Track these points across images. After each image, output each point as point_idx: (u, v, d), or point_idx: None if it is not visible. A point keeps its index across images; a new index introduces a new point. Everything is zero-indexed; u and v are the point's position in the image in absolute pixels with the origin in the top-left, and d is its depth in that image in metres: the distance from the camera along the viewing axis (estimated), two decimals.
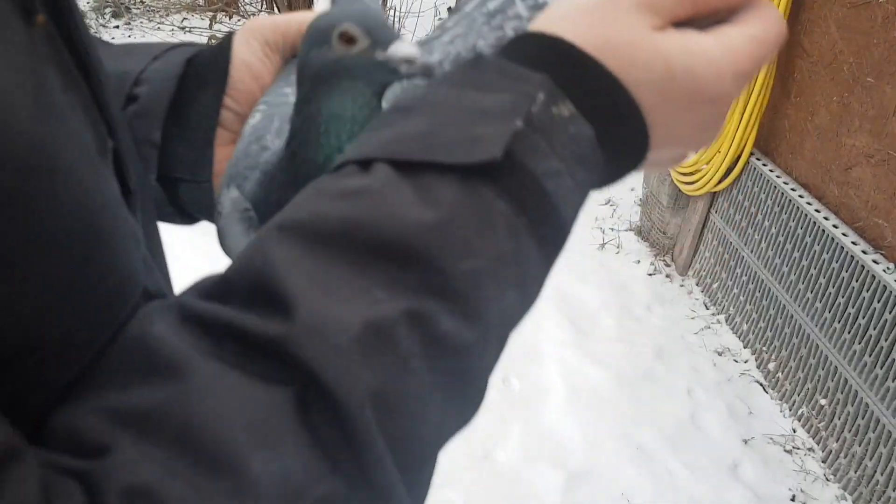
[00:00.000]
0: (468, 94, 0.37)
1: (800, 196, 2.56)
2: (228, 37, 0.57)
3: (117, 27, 6.98)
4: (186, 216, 0.59)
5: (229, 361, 0.31)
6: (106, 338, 0.34)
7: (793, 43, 2.66)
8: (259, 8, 5.99)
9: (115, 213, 0.34)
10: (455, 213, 0.34)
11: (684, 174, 3.13)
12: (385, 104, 0.47)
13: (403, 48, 0.43)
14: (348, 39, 0.43)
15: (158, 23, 7.06)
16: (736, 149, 2.81)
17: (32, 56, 0.30)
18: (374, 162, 0.36)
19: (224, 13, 7.02)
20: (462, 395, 0.36)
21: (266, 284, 0.32)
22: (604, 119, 0.38)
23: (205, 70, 0.55)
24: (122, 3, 7.73)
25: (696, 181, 3.05)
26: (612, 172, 0.41)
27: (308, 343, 0.30)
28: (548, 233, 0.38)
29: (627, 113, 0.39)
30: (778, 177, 2.68)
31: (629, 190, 4.06)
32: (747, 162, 2.84)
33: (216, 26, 6.62)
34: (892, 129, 2.23)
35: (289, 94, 0.54)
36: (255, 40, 0.57)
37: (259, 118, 0.53)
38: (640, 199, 3.74)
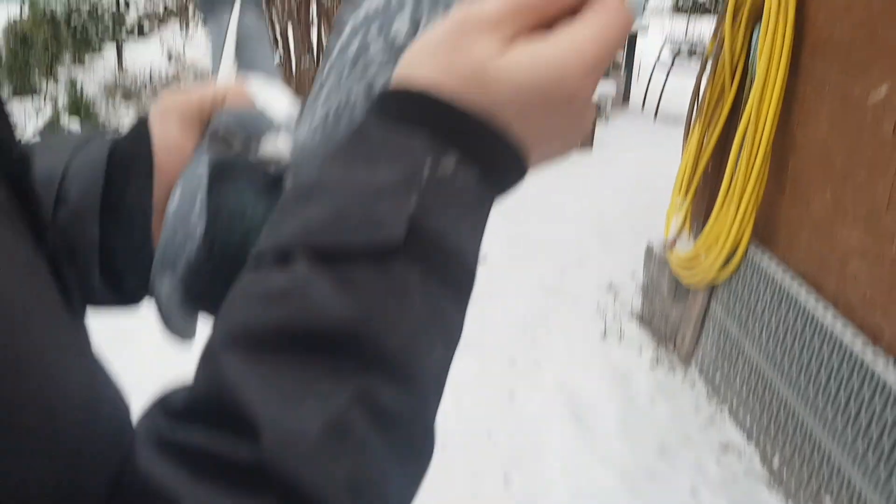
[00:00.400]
0: (360, 172, 0.40)
1: (798, 288, 2.56)
2: (143, 120, 0.58)
3: (127, 112, 7.17)
4: (131, 301, 0.60)
5: (213, 485, 0.34)
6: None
7: (786, 135, 2.70)
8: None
9: (94, 380, 0.36)
10: (373, 295, 0.38)
11: (684, 264, 3.14)
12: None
13: (270, 148, 0.47)
14: (224, 141, 0.47)
15: None
16: (734, 240, 2.83)
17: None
18: (290, 253, 0.39)
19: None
20: (416, 451, 0.39)
21: (228, 405, 0.35)
22: (481, 152, 0.41)
23: (129, 158, 0.56)
24: (132, 87, 7.95)
25: (696, 271, 3.06)
26: (504, 185, 0.44)
27: (280, 461, 0.34)
28: (458, 280, 0.41)
29: (498, 137, 0.42)
30: (776, 268, 2.69)
31: (631, 276, 4.07)
32: (745, 253, 2.86)
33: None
34: (885, 225, 2.24)
35: (203, 172, 0.55)
36: (171, 118, 0.58)
37: (179, 201, 0.54)
38: (642, 286, 3.74)
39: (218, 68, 0.71)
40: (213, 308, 0.51)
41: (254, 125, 0.48)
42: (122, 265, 0.55)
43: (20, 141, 0.40)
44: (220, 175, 0.48)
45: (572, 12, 0.44)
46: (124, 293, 0.58)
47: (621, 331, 3.55)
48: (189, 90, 0.60)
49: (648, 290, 3.59)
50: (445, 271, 0.40)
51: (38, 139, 0.61)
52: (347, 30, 0.55)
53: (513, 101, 0.41)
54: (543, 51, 0.42)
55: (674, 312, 3.36)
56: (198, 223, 0.52)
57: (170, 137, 0.57)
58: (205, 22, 0.76)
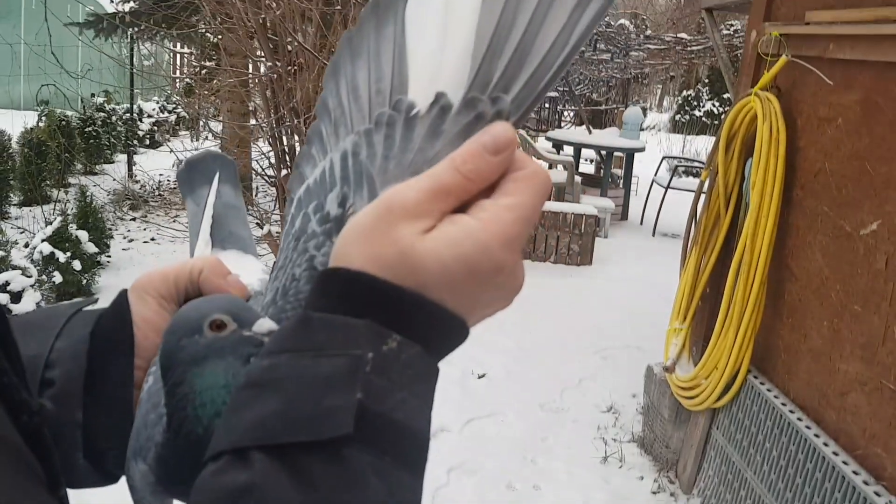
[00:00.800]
0: (307, 364, 0.42)
1: (798, 419, 2.56)
2: (123, 297, 0.60)
3: (134, 219, 7.30)
4: (112, 477, 0.60)
5: None
6: None
7: (781, 265, 2.75)
8: (272, 207, 6.28)
9: None
10: (331, 485, 0.39)
11: (684, 388, 3.14)
12: None
13: (265, 324, 0.50)
14: (219, 326, 0.50)
15: (174, 217, 7.36)
16: (733, 366, 2.84)
17: None
18: (246, 451, 0.41)
19: None
20: None
21: None
22: (421, 330, 0.44)
23: (110, 339, 0.58)
24: (140, 196, 8.11)
25: (696, 396, 3.06)
26: (447, 350, 0.46)
27: None
28: (412, 454, 0.42)
29: (434, 313, 0.44)
30: (776, 397, 2.69)
31: (631, 396, 4.06)
32: (745, 379, 2.86)
33: None
34: (883, 357, 2.26)
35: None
36: (149, 296, 0.60)
37: (152, 381, 0.56)
38: (642, 408, 3.72)
39: (195, 244, 0.74)
40: (185, 494, 0.52)
41: (242, 312, 0.51)
42: (105, 445, 0.57)
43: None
44: (206, 356, 0.51)
45: (490, 187, 0.47)
46: (106, 472, 0.59)
47: (622, 455, 3.51)
48: (166, 267, 0.63)
49: (649, 413, 3.57)
50: (399, 448, 0.42)
51: (21, 315, 0.63)
52: (294, 202, 0.60)
53: (441, 279, 0.44)
54: (465, 227, 0.45)
55: (675, 437, 3.33)
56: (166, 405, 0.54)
57: (148, 315, 0.60)
58: (183, 200, 0.80)
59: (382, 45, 0.55)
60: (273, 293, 0.56)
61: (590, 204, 6.96)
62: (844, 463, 2.32)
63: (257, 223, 5.62)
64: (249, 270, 0.65)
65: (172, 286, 0.61)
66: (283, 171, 5.02)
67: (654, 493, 3.24)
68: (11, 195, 7.43)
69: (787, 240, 2.75)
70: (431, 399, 0.45)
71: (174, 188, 8.63)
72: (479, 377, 4.27)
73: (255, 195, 7.81)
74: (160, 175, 8.96)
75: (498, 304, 0.49)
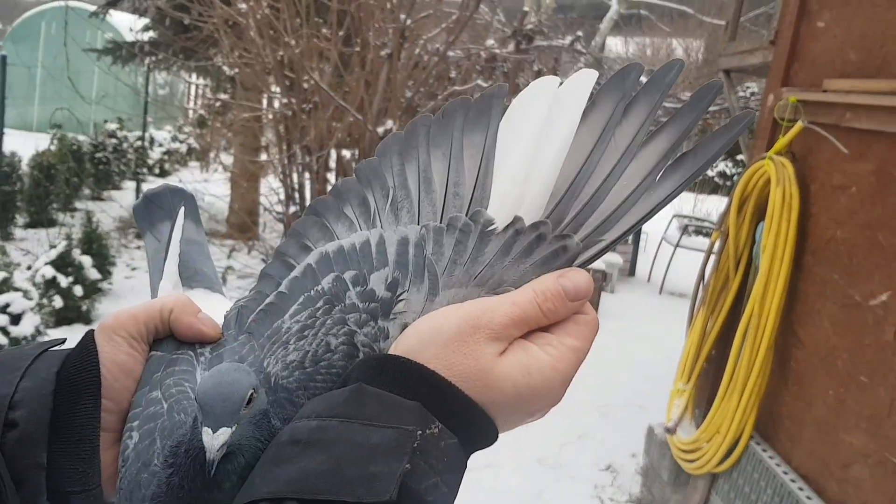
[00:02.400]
0: (357, 430, 0.45)
1: (799, 489, 2.51)
2: (90, 338, 0.58)
3: (139, 248, 7.29)
4: None
5: None
6: None
7: (788, 332, 2.73)
8: (278, 243, 6.28)
9: None
10: None
11: (685, 451, 3.09)
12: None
13: (211, 443, 0.47)
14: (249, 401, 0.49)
15: None
16: (735, 431, 2.80)
17: None
18: (285, 501, 0.42)
19: (244, 244, 7.29)
20: None
21: None
22: (464, 428, 0.48)
23: (76, 380, 0.56)
24: None
25: (697, 460, 3.01)
26: (477, 449, 0.51)
27: None
28: None
29: (483, 423, 0.49)
30: (777, 465, 2.65)
31: (630, 456, 4.00)
32: (747, 445, 2.82)
33: (233, 257, 6.87)
34: (888, 430, 2.23)
35: (158, 398, 0.56)
36: (118, 336, 0.59)
37: (138, 438, 0.54)
38: (641, 469, 3.67)
39: (158, 281, 0.72)
40: None
41: (208, 409, 0.49)
42: (69, 488, 0.55)
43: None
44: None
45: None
46: None
47: None
48: (133, 307, 0.61)
49: (648, 474, 3.52)
50: None
51: None
52: (316, 255, 0.59)
53: (508, 401, 0.49)
54: (537, 360, 0.51)
55: (673, 500, 3.27)
56: (161, 464, 0.52)
57: (117, 356, 0.58)
58: (143, 235, 0.78)
59: (468, 150, 0.58)
60: (301, 354, 0.55)
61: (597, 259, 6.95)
62: None
63: (262, 259, 5.62)
64: (218, 310, 0.64)
65: (143, 326, 0.60)
66: (292, 209, 5.03)
67: None
68: (17, 216, 7.45)
69: (796, 306, 2.73)
70: (457, 492, 0.47)
71: None
72: None
73: (263, 231, 7.83)
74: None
75: (529, 421, 0.55)
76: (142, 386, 0.57)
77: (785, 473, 2.60)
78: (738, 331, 2.81)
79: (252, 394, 0.49)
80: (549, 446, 4.08)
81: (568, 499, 3.57)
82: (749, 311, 2.75)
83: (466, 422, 0.48)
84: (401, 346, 0.52)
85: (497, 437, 0.51)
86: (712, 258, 3.24)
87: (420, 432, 0.45)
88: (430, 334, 0.51)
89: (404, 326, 0.53)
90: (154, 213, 0.78)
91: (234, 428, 0.48)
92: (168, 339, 0.60)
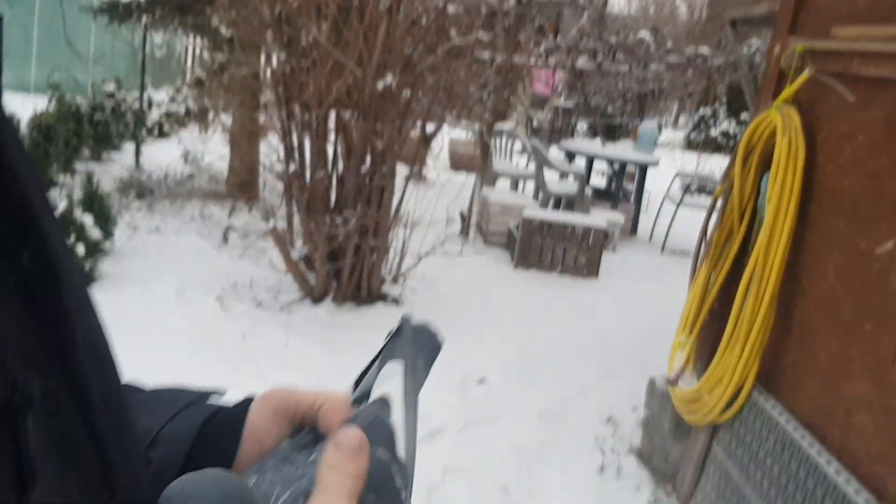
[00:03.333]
0: None
1: (802, 437, 2.52)
2: (248, 401, 0.59)
3: (139, 210, 7.28)
4: None
5: None
6: None
7: (793, 281, 2.73)
8: (279, 204, 6.26)
9: None
10: None
11: (686, 402, 3.11)
12: None
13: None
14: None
15: (180, 207, 7.35)
16: (738, 382, 2.81)
17: None
18: None
19: (245, 204, 7.27)
20: None
21: None
22: None
23: (217, 434, 0.57)
24: (145, 186, 8.09)
25: (698, 411, 3.02)
26: None
27: None
28: None
29: None
30: (780, 414, 2.66)
31: (631, 409, 4.02)
32: (749, 395, 2.83)
33: (234, 217, 6.86)
34: (892, 378, 2.23)
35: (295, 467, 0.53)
36: (269, 405, 0.59)
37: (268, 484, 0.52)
38: (642, 421, 3.69)
39: (355, 388, 0.66)
40: None
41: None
42: None
43: None
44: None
45: None
46: None
47: (619, 466, 3.47)
48: (298, 389, 0.60)
49: (649, 426, 3.54)
50: None
51: (155, 389, 0.62)
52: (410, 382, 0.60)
53: None
54: None
55: (674, 451, 3.30)
56: None
57: (260, 421, 0.58)
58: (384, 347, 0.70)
59: None
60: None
61: (599, 217, 6.93)
62: (847, 482, 2.29)
63: (263, 217, 5.60)
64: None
65: (294, 407, 0.59)
66: (292, 167, 5.00)
67: None
68: None
69: (801, 256, 2.72)
70: None
71: (180, 180, 8.62)
72: (479, 382, 4.24)
73: (263, 189, 7.80)
74: (167, 166, 8.95)
75: None
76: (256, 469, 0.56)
77: (787, 422, 2.61)
78: (741, 282, 2.80)
79: None
80: (549, 401, 4.11)
81: (569, 450, 3.60)
82: (753, 262, 2.74)
83: None
84: None
85: None
86: (715, 214, 3.22)
87: None
88: None
89: None
90: (404, 342, 0.71)
91: None
92: (308, 432, 0.59)
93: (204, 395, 0.61)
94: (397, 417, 0.58)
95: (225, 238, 6.36)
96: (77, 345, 0.38)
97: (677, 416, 3.23)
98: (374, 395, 0.61)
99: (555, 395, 4.18)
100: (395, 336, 0.70)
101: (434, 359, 0.72)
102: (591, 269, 6.55)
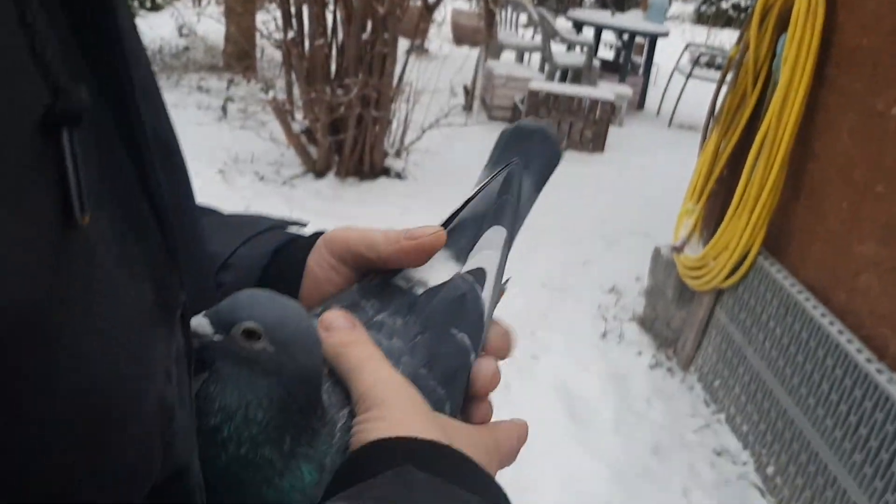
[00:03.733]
0: None
1: (806, 299, 2.54)
2: (315, 237, 0.56)
3: None
4: None
5: None
6: None
7: (805, 145, 2.68)
8: (277, 74, 6.11)
9: (139, 386, 0.30)
10: None
11: (691, 268, 3.12)
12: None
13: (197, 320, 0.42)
14: (249, 335, 0.41)
15: (176, 81, 7.20)
16: (744, 247, 2.80)
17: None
18: None
19: (243, 76, 7.12)
20: None
21: None
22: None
23: (285, 268, 0.55)
24: None
25: (703, 276, 3.03)
26: None
27: None
28: None
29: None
30: (785, 278, 2.66)
31: (635, 280, 4.04)
32: (755, 261, 2.83)
33: (233, 88, 6.73)
34: None
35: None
36: (326, 250, 0.56)
37: None
38: (646, 290, 3.72)
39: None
40: None
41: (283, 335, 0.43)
42: None
43: None
44: (234, 364, 0.43)
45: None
46: None
47: (621, 332, 3.52)
48: (353, 229, 0.56)
49: (652, 294, 3.57)
50: None
51: (227, 213, 0.60)
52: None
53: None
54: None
55: (677, 317, 3.33)
56: None
57: (315, 268, 0.55)
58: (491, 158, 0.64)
59: None
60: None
61: (607, 90, 6.79)
62: (849, 342, 2.31)
63: (261, 88, 5.49)
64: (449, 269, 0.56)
65: (346, 250, 0.55)
66: (290, 34, 4.85)
67: (651, 367, 3.26)
68: None
69: (815, 118, 2.65)
70: None
71: (175, 53, 8.42)
72: None
73: (261, 59, 7.62)
74: (161, 39, 8.72)
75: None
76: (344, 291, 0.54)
77: (792, 286, 2.62)
78: (753, 146, 2.75)
79: (258, 331, 0.41)
80: (553, 271, 4.13)
81: (572, 318, 3.64)
82: (766, 124, 2.68)
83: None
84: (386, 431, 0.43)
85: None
86: (726, 85, 3.13)
87: None
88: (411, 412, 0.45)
89: None
90: (512, 148, 0.64)
91: (213, 333, 0.41)
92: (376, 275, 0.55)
93: (283, 223, 0.59)
94: (486, 295, 0.55)
95: (224, 111, 6.25)
96: (133, 84, 0.33)
97: (681, 284, 3.25)
98: (472, 261, 0.57)
99: (559, 266, 4.20)
100: (511, 140, 0.64)
101: (551, 172, 0.66)
102: (597, 143, 6.47)
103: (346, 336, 0.46)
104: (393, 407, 0.43)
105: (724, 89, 3.16)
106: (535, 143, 0.65)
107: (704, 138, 3.29)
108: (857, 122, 2.45)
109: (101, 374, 0.27)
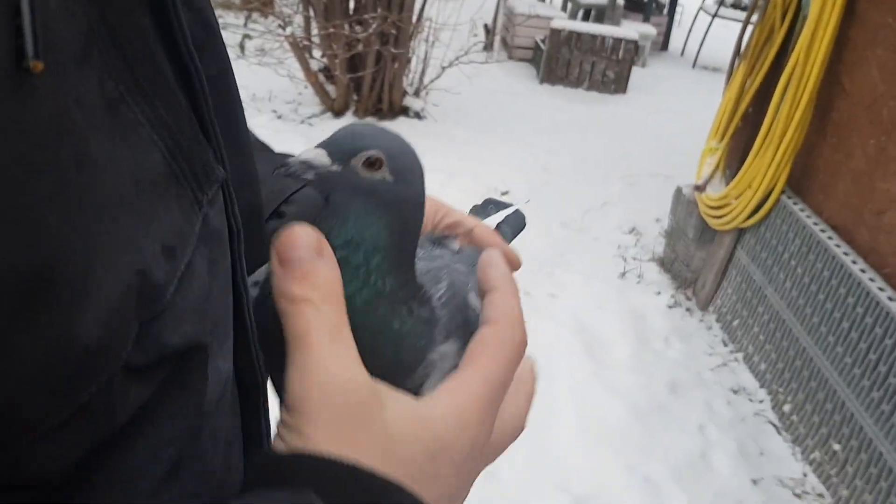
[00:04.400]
0: None
1: (829, 238, 2.51)
2: None
3: None
4: None
5: None
6: (54, 420, 0.27)
7: (832, 82, 2.62)
8: (295, 10, 6.03)
9: (106, 259, 0.27)
10: None
11: (713, 208, 3.09)
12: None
13: (304, 155, 0.42)
14: (371, 164, 0.41)
15: None
16: (767, 185, 2.77)
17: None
18: None
19: (259, 13, 7.03)
20: None
21: None
22: None
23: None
24: None
25: (725, 216, 3.01)
26: None
27: None
28: None
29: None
30: (808, 217, 2.64)
31: (655, 221, 4.02)
32: (778, 199, 2.80)
33: (251, 25, 6.66)
34: None
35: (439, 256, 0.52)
36: None
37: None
38: (666, 231, 3.70)
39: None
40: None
41: (404, 160, 0.43)
42: None
43: None
44: (353, 194, 0.44)
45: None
46: None
47: (640, 272, 3.52)
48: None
49: (672, 235, 3.55)
50: None
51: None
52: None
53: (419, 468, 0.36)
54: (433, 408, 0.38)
55: (697, 257, 3.32)
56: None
57: None
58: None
59: None
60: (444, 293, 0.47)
61: (630, 29, 6.66)
62: (871, 280, 2.29)
63: (279, 24, 5.43)
64: None
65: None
66: None
67: (669, 307, 3.26)
68: None
69: (844, 54, 2.60)
70: None
71: None
72: (503, 194, 4.23)
73: None
74: None
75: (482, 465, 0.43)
76: None
77: (815, 224, 2.59)
78: (780, 82, 2.70)
79: (380, 160, 0.41)
80: (572, 212, 4.11)
81: (591, 258, 3.63)
82: (794, 61, 2.62)
83: None
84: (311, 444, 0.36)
85: None
86: (752, 22, 3.06)
87: None
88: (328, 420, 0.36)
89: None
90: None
91: (332, 164, 0.41)
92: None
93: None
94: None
95: (241, 48, 6.20)
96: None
97: (702, 223, 3.22)
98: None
99: (578, 208, 4.17)
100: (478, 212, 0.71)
101: (518, 233, 0.71)
102: (619, 84, 6.37)
103: (300, 285, 0.36)
104: (320, 413, 0.34)
105: (750, 28, 3.09)
106: (504, 210, 0.71)
107: (730, 77, 3.23)
108: (888, 58, 2.40)
109: (45, 242, 0.25)
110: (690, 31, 7.85)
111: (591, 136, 5.34)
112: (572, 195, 4.32)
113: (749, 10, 3.18)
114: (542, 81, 6.38)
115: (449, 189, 3.97)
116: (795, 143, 2.69)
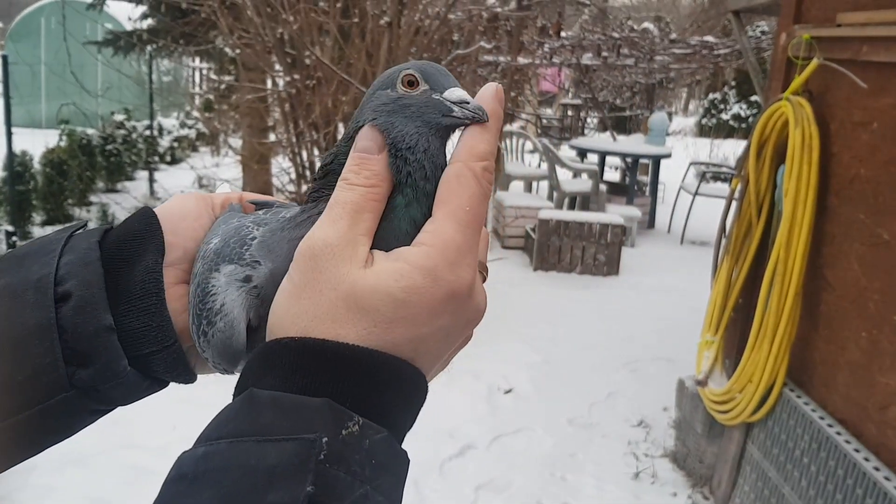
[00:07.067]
0: (250, 451, 0.36)
1: (837, 433, 2.47)
2: (146, 208, 0.56)
3: None
4: (162, 383, 0.55)
5: None
6: None
7: (816, 276, 2.67)
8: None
9: None
10: None
11: (717, 402, 3.06)
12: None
13: (457, 92, 0.49)
14: (410, 82, 0.50)
15: None
16: (768, 379, 2.76)
17: None
18: None
19: None
20: None
21: None
22: (384, 395, 0.39)
23: (131, 240, 0.53)
24: None
25: (730, 411, 2.97)
26: (411, 418, 0.42)
27: None
28: None
29: (395, 369, 0.40)
30: (813, 411, 2.61)
31: (662, 410, 3.97)
32: (781, 393, 2.78)
33: None
34: None
35: (236, 223, 0.53)
36: (189, 197, 0.57)
37: (216, 243, 0.52)
38: (674, 422, 3.64)
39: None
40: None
41: (435, 75, 0.52)
42: (147, 348, 0.51)
43: None
44: (394, 109, 0.51)
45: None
46: (155, 378, 0.53)
47: (654, 471, 3.43)
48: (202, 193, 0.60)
49: (681, 427, 3.49)
50: None
51: (10, 251, 0.55)
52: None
53: (395, 317, 0.40)
54: (408, 257, 0.41)
55: (709, 452, 3.25)
56: (259, 228, 0.52)
57: (187, 206, 0.56)
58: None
59: None
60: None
61: (615, 213, 6.88)
62: (886, 479, 2.23)
63: None
64: None
65: (208, 202, 0.58)
66: (304, 187, 4.99)
67: None
68: (34, 215, 7.46)
69: (823, 248, 2.67)
70: (400, 495, 0.39)
71: None
72: (506, 392, 4.20)
73: None
74: (181, 191, 8.97)
75: (456, 338, 0.45)
76: (212, 228, 0.57)
77: (821, 419, 2.56)
78: (764, 278, 2.75)
79: (416, 78, 0.50)
80: (578, 406, 4.06)
81: (601, 457, 3.55)
82: (775, 257, 2.69)
83: (381, 383, 0.39)
84: (269, 329, 0.43)
85: (423, 383, 0.42)
86: (734, 205, 3.17)
87: (326, 439, 0.36)
88: (281, 298, 0.43)
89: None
90: None
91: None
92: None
93: (69, 229, 0.55)
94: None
95: None
96: None
97: (710, 417, 3.18)
98: None
99: (583, 401, 4.14)
100: None
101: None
102: (610, 266, 6.49)
103: (361, 174, 0.45)
104: (296, 262, 0.43)
105: (729, 217, 3.19)
106: None
107: (716, 267, 3.30)
108: (866, 252, 2.46)
109: None
110: (674, 209, 8.09)
111: (589, 322, 5.38)
112: (577, 387, 4.29)
113: (726, 203, 3.29)
114: (535, 269, 6.50)
115: (451, 392, 3.94)
116: (789, 336, 2.70)
